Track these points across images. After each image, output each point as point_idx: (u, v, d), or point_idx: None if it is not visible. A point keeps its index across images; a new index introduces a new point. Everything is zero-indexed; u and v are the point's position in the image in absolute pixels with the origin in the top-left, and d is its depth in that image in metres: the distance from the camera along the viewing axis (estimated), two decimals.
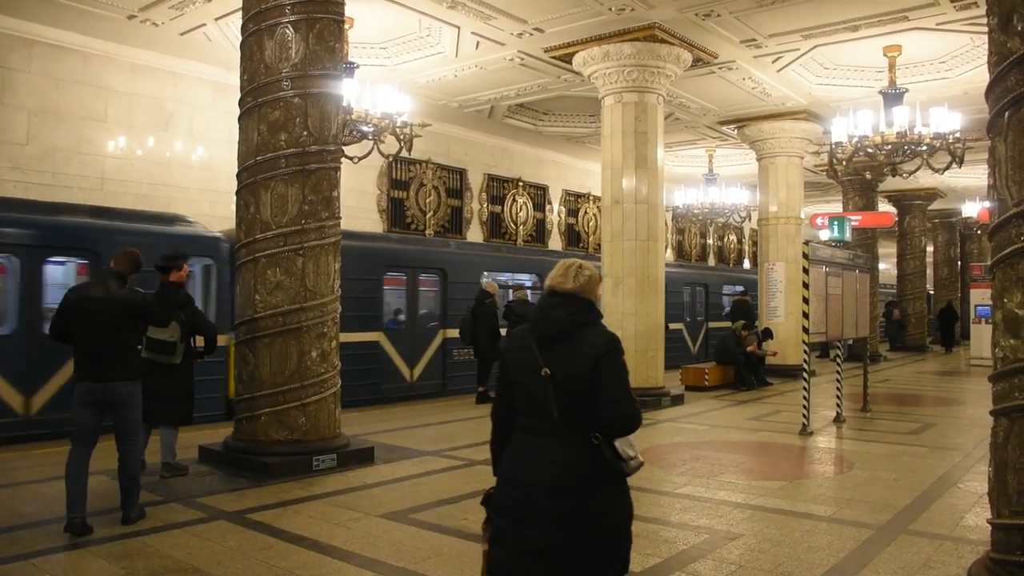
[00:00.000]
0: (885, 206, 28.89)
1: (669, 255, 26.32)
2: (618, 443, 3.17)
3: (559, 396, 3.12)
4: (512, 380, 3.35)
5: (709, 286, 24.36)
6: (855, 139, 12.38)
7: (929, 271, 33.00)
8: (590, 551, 3.09)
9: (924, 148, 12.07)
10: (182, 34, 12.11)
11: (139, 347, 6.67)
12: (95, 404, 5.95)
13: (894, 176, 13.56)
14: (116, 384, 5.94)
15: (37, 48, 11.77)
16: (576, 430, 3.13)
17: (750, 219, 22.84)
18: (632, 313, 12.77)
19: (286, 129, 7.86)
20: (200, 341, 7.80)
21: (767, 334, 16.77)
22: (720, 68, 14.05)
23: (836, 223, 18.38)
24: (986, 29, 4.53)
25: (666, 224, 16.89)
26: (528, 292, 14.93)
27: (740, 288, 23.63)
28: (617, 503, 3.20)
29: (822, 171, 21.76)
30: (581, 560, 3.07)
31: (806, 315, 10.60)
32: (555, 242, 21.94)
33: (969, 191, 26.48)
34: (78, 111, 12.21)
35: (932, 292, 34.00)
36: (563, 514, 3.05)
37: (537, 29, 12.07)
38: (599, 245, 15.60)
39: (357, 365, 12.56)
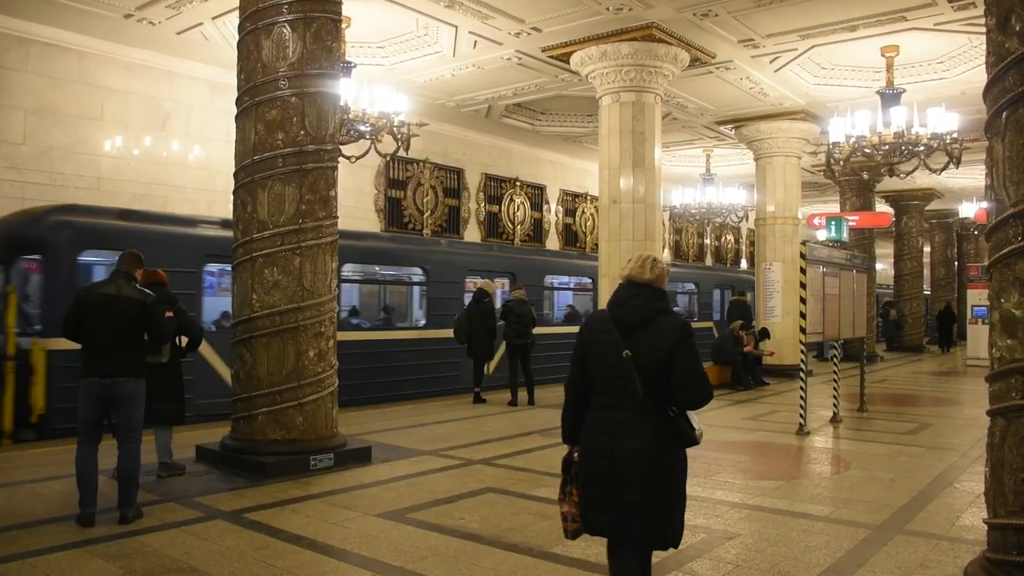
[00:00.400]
0: (882, 206, 28.92)
1: (666, 255, 26.32)
2: (689, 415, 3.70)
3: (641, 376, 3.60)
4: (591, 362, 3.78)
5: (700, 285, 24.30)
6: (853, 139, 12.39)
7: (926, 271, 33.04)
8: (668, 506, 3.66)
9: (921, 148, 12.08)
10: (179, 33, 12.11)
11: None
12: (99, 400, 6.05)
13: (891, 176, 13.57)
14: (121, 380, 6.05)
15: (34, 47, 11.76)
16: (655, 406, 3.63)
17: (747, 219, 22.85)
18: None
19: (283, 128, 7.85)
20: (184, 341, 7.80)
21: (764, 334, 16.78)
22: (718, 68, 14.06)
23: (833, 223, 18.44)
24: (984, 29, 4.54)
25: (663, 224, 16.88)
26: (499, 292, 14.69)
27: (728, 291, 23.84)
28: (684, 466, 3.79)
29: (819, 171, 21.81)
30: (662, 515, 3.64)
31: (803, 315, 10.61)
32: (552, 242, 21.95)
33: (966, 191, 26.52)
34: (75, 110, 12.20)
35: (929, 292, 34.05)
36: (648, 478, 3.59)
37: (535, 28, 12.08)
38: (596, 245, 15.62)
39: None
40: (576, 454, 3.89)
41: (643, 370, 3.60)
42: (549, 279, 18.28)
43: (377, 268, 15.36)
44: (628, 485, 3.60)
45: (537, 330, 13.64)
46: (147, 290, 6.49)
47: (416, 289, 15.92)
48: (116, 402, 6.09)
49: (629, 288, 3.80)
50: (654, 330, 3.66)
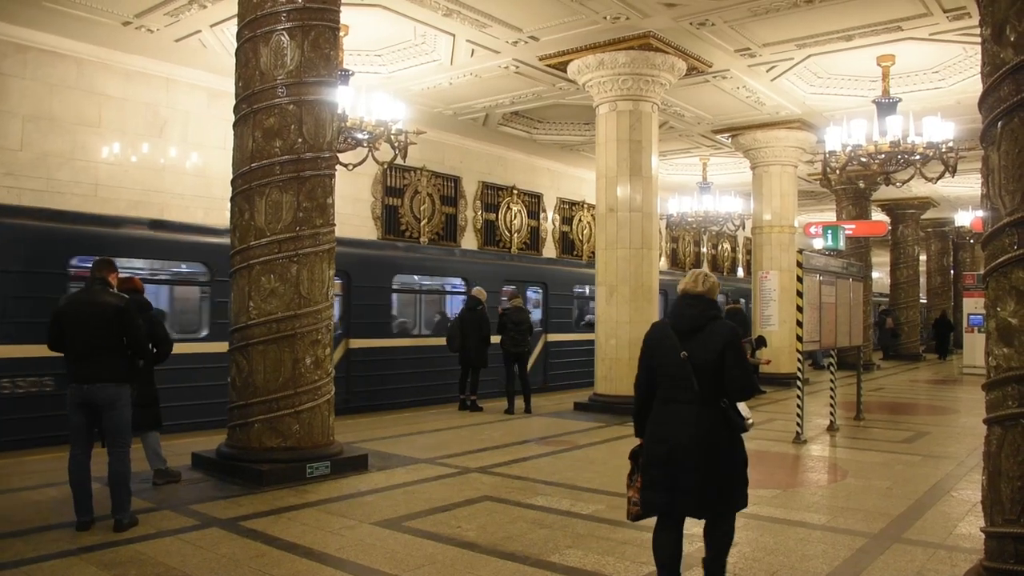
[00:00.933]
0: (878, 215, 29.00)
1: (663, 263, 26.35)
2: (739, 406, 4.45)
3: (697, 374, 4.31)
4: (655, 363, 4.52)
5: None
6: (849, 148, 12.42)
7: (922, 280, 33.12)
8: (723, 486, 4.36)
9: (917, 157, 12.11)
10: (177, 40, 12.11)
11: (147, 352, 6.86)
12: (84, 406, 6.11)
13: (887, 185, 13.60)
14: (100, 385, 6.09)
15: (31, 54, 11.76)
16: (710, 398, 4.35)
17: (744, 227, 22.89)
18: (627, 321, 12.79)
19: (281, 136, 7.86)
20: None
21: (761, 342, 16.78)
22: (714, 77, 14.09)
23: (830, 232, 18.46)
24: (979, 39, 4.55)
25: (660, 232, 16.89)
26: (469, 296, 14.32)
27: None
28: (739, 448, 4.47)
29: (816, 180, 21.93)
30: (718, 493, 4.34)
31: (800, 323, 10.62)
32: (549, 250, 21.95)
33: (962, 200, 26.59)
34: (72, 117, 12.20)
35: (925, 301, 34.12)
36: (704, 461, 4.28)
37: (532, 37, 12.10)
38: (593, 253, 15.63)
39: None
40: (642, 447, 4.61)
41: (698, 369, 4.33)
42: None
43: (422, 279, 16.54)
44: (685, 467, 4.30)
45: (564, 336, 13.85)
46: (123, 294, 6.52)
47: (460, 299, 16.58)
48: (99, 407, 6.13)
49: (685, 299, 4.56)
50: (708, 335, 4.40)
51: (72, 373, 6.14)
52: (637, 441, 4.68)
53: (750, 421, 4.48)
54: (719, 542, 4.55)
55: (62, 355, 6.30)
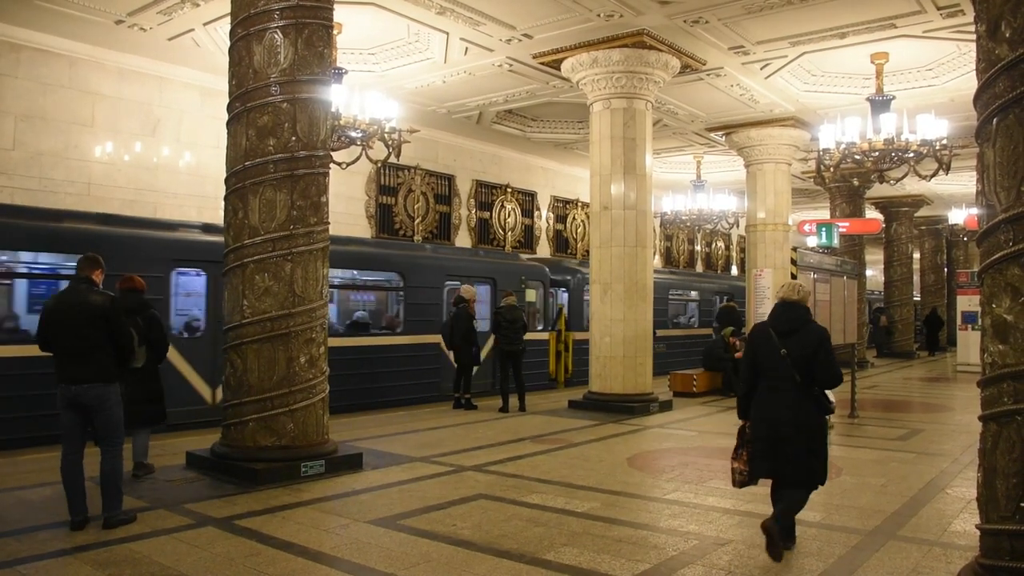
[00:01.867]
0: (872, 213, 29.06)
1: (657, 261, 26.36)
2: (827, 392, 5.61)
3: (796, 367, 5.43)
4: (759, 358, 5.63)
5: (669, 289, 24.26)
6: (843, 146, 12.41)
7: (916, 278, 33.19)
8: (812, 456, 5.46)
9: (911, 155, 12.12)
10: (170, 39, 12.07)
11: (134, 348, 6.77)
12: (73, 406, 6.10)
13: (881, 183, 13.60)
14: (87, 386, 6.07)
15: (24, 53, 11.71)
16: (805, 386, 5.46)
17: (738, 225, 22.90)
18: (620, 319, 12.79)
19: (275, 134, 7.84)
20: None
21: None
22: (708, 75, 14.09)
23: (824, 229, 18.41)
24: (972, 37, 4.56)
25: (654, 230, 16.91)
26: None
27: (693, 294, 23.74)
28: (825, 427, 5.61)
29: (810, 178, 21.91)
30: (810, 462, 5.46)
31: None
32: (543, 248, 21.95)
33: (955, 198, 26.65)
34: (65, 116, 12.15)
35: (919, 299, 34.21)
36: (801, 436, 5.42)
37: (526, 35, 12.09)
38: (587, 251, 15.62)
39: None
40: (747, 426, 5.69)
41: (796, 362, 5.43)
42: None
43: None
44: (786, 441, 5.42)
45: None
46: (108, 292, 6.46)
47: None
48: (90, 408, 6.11)
49: (783, 306, 5.68)
50: (803, 335, 5.51)
51: (60, 373, 6.11)
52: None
53: (833, 404, 5.68)
54: (792, 504, 5.52)
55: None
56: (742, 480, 5.70)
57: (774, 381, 5.53)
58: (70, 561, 5.29)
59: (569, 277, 19.38)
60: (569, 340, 18.24)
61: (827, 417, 5.66)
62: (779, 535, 5.29)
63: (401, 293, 14.82)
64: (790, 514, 5.54)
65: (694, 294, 24.16)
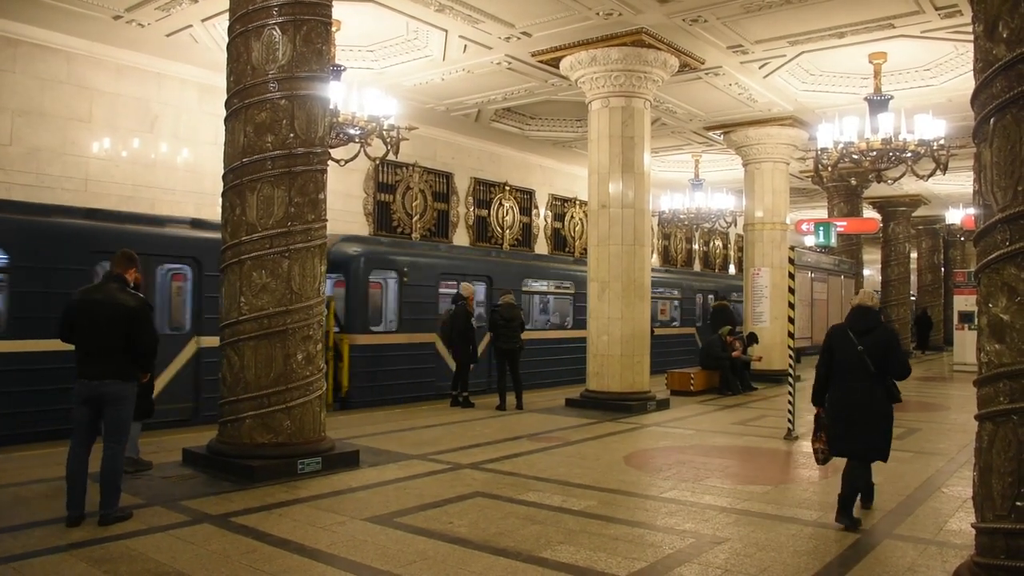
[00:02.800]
0: (870, 212, 29.07)
1: (655, 260, 26.36)
2: (896, 384, 6.52)
3: (872, 361, 6.35)
4: (835, 354, 6.56)
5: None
6: (840, 145, 12.42)
7: (913, 277, 33.22)
8: (883, 437, 6.42)
9: (909, 155, 12.12)
10: (168, 35, 12.05)
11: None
12: (89, 401, 6.14)
13: (879, 182, 13.60)
14: (108, 382, 6.12)
15: (21, 48, 11.69)
16: (879, 378, 6.38)
17: (736, 224, 22.90)
18: (618, 318, 12.79)
19: (272, 131, 7.83)
20: None
21: (752, 339, 16.82)
22: (707, 74, 14.09)
23: (821, 229, 18.42)
24: (970, 37, 4.56)
25: (652, 229, 16.92)
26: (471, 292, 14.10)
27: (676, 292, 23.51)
28: (891, 415, 6.47)
29: (808, 177, 21.91)
30: (880, 442, 6.41)
31: (792, 320, 10.64)
32: (541, 246, 21.94)
33: (953, 198, 26.66)
34: (62, 112, 12.13)
35: (916, 298, 34.26)
36: (873, 421, 6.38)
37: (524, 33, 12.08)
38: (585, 249, 15.62)
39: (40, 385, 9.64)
40: (822, 412, 6.76)
41: (871, 357, 6.35)
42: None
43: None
44: (860, 425, 6.38)
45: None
46: (139, 294, 6.52)
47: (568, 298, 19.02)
48: (105, 403, 6.15)
49: (860, 309, 6.67)
50: (877, 334, 6.48)
51: (81, 368, 6.15)
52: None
53: (901, 394, 6.63)
54: (862, 479, 6.54)
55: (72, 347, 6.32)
56: (824, 457, 6.78)
57: (850, 373, 6.45)
58: (65, 558, 5.29)
59: (350, 257, 13.92)
60: (344, 345, 13.43)
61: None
62: (844, 504, 6.36)
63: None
64: (858, 492, 6.55)
65: (675, 292, 23.67)
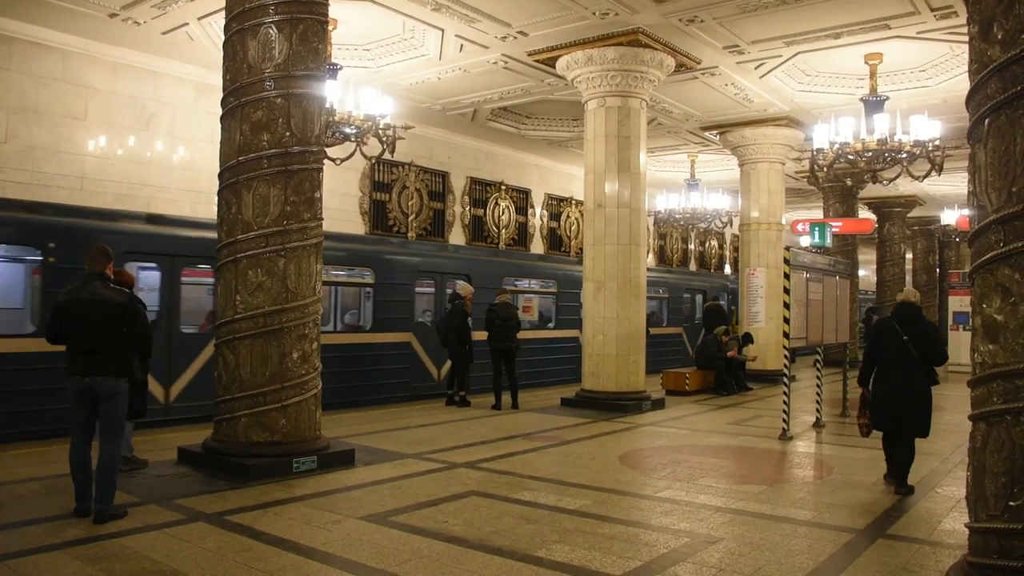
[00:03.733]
0: (865, 213, 29.11)
1: (651, 260, 26.37)
2: (935, 369, 7.56)
3: (915, 349, 7.41)
4: (884, 343, 7.61)
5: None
6: (836, 146, 12.44)
7: (908, 278, 33.26)
8: (924, 418, 7.44)
9: (904, 155, 12.15)
10: (164, 33, 12.03)
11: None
12: (83, 398, 6.20)
13: (874, 183, 13.63)
14: (101, 379, 6.18)
15: (16, 45, 11.66)
16: (921, 364, 7.42)
17: (731, 224, 22.92)
18: (614, 317, 12.80)
19: (269, 129, 7.83)
20: None
21: (747, 339, 16.84)
22: (703, 74, 14.10)
23: (817, 229, 18.42)
24: (966, 38, 4.57)
25: (648, 229, 16.91)
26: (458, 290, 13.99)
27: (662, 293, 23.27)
28: (931, 396, 7.51)
29: (803, 177, 21.97)
30: (922, 419, 7.43)
31: (787, 320, 10.65)
32: (537, 245, 21.94)
33: (948, 199, 26.69)
34: (58, 110, 12.10)
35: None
36: (916, 403, 7.40)
37: (521, 32, 12.08)
38: (581, 249, 15.62)
39: None
40: (867, 393, 7.85)
41: (915, 346, 7.44)
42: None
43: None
44: (904, 405, 7.45)
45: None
46: (124, 289, 6.58)
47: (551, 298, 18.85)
48: (99, 400, 6.21)
49: (905, 305, 7.81)
50: (919, 326, 7.60)
51: (73, 366, 6.20)
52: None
53: (939, 377, 7.67)
54: (907, 455, 7.58)
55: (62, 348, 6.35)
56: (867, 431, 7.99)
57: (896, 360, 7.48)
58: (60, 556, 5.29)
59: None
60: None
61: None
62: (901, 477, 7.55)
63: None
64: (907, 464, 7.59)
65: (661, 291, 23.37)
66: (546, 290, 18.88)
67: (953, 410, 13.54)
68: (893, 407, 7.47)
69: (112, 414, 6.28)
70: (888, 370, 7.54)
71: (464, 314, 13.33)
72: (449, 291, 14.97)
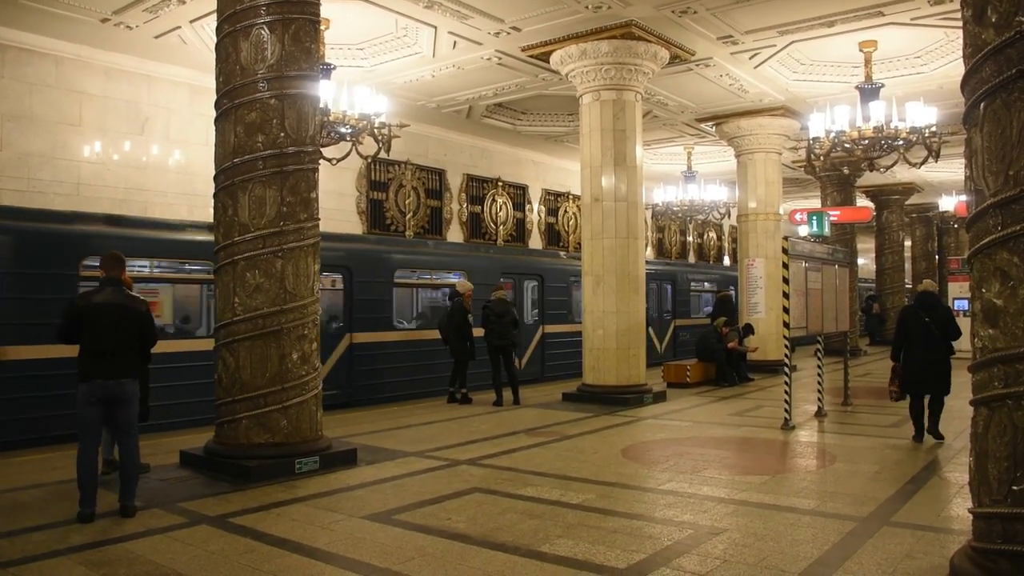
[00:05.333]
0: (863, 201, 29.10)
1: (649, 253, 26.37)
2: (952, 344, 9.50)
3: (936, 328, 9.28)
4: (910, 326, 9.42)
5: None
6: (832, 134, 12.43)
7: (907, 265, 33.27)
8: (946, 378, 9.30)
9: (901, 142, 12.13)
10: (156, 37, 12.02)
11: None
12: (102, 401, 6.33)
13: (871, 171, 13.63)
14: (125, 381, 6.38)
15: (9, 53, 11.65)
16: (943, 340, 9.34)
17: (729, 216, 22.90)
18: (613, 311, 12.78)
19: (263, 131, 7.80)
20: None
21: (748, 330, 16.83)
22: (697, 65, 14.09)
23: (815, 218, 18.47)
24: (960, 23, 4.56)
25: (646, 222, 16.88)
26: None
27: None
28: (951, 365, 9.33)
29: (800, 167, 21.93)
30: (945, 381, 9.30)
31: (787, 310, 10.65)
32: (535, 241, 21.94)
33: (945, 185, 26.71)
34: (52, 116, 12.09)
35: (911, 286, 34.31)
36: (940, 365, 9.33)
37: (514, 28, 12.06)
38: (579, 244, 15.61)
39: None
40: (898, 366, 9.58)
41: (938, 327, 9.24)
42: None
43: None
44: (931, 367, 9.27)
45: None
46: (139, 297, 6.80)
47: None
48: (118, 402, 6.36)
49: (925, 294, 9.74)
50: (939, 311, 9.49)
51: (93, 369, 6.29)
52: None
53: (957, 351, 9.35)
54: (936, 409, 9.43)
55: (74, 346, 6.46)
56: (897, 397, 9.61)
57: (920, 340, 9.30)
58: (64, 562, 5.27)
59: None
60: None
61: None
62: (933, 424, 9.43)
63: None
64: (937, 418, 9.43)
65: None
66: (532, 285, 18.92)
67: (954, 395, 13.48)
68: (921, 372, 9.28)
69: (131, 416, 6.49)
70: (915, 348, 9.33)
71: (464, 311, 13.31)
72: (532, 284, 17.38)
